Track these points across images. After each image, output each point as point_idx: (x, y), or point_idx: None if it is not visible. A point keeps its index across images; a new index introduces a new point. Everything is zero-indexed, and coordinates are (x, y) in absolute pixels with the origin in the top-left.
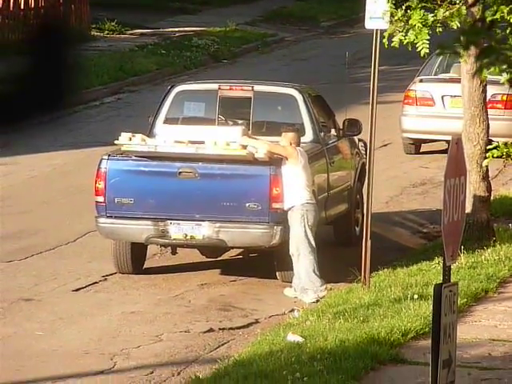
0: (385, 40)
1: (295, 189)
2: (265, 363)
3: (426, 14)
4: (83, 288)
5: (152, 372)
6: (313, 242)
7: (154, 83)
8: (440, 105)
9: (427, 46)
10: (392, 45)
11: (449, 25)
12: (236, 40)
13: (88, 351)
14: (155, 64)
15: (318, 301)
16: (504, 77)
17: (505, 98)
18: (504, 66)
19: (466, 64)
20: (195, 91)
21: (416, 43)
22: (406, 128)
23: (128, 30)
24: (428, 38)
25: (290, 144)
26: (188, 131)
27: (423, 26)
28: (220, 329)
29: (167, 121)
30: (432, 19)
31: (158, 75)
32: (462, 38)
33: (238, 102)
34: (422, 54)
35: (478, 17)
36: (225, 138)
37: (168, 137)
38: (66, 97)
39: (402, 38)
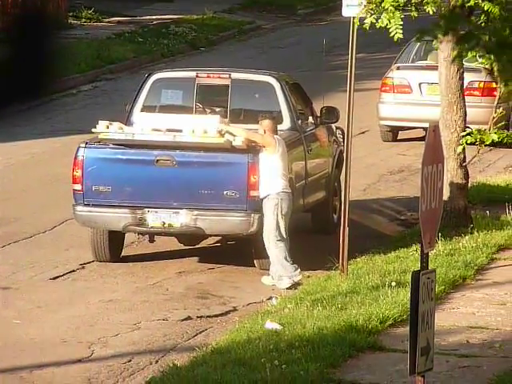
0: (356, 20)
1: (271, 177)
2: (243, 351)
3: None
4: (61, 276)
5: (130, 360)
6: (283, 231)
7: (131, 71)
8: (417, 92)
9: (400, 30)
10: (363, 27)
11: (423, 8)
12: (213, 28)
13: (66, 340)
14: (132, 52)
15: (295, 287)
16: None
17: (482, 85)
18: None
19: (443, 51)
20: (173, 79)
21: (389, 28)
22: (383, 115)
23: (105, 18)
24: (401, 22)
25: (265, 132)
26: (166, 119)
27: (395, 8)
28: (198, 317)
29: (145, 109)
30: (404, 1)
31: (136, 63)
32: (441, 24)
33: (216, 90)
34: (396, 38)
35: (456, 3)
36: (205, 126)
37: (146, 125)
38: (45, 84)
39: (374, 20)
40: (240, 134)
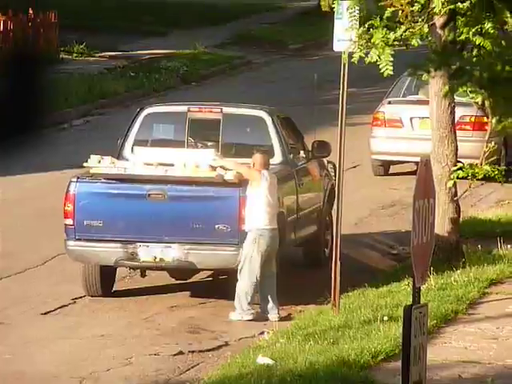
0: (344, 56)
1: (255, 212)
2: None
3: (388, 32)
4: (52, 311)
5: None
6: (256, 267)
7: (123, 106)
8: (408, 126)
9: (391, 67)
10: (352, 61)
11: (410, 43)
12: (205, 62)
13: (57, 375)
14: (124, 86)
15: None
16: (475, 98)
17: (473, 119)
18: (473, 88)
19: (434, 86)
20: (164, 113)
21: (379, 63)
22: (374, 150)
23: (97, 53)
24: (391, 58)
25: (253, 165)
26: (161, 153)
27: (385, 44)
28: (190, 351)
29: (136, 143)
30: (393, 37)
31: (127, 97)
32: (434, 59)
33: (208, 124)
34: (385, 74)
35: (446, 38)
36: (197, 161)
37: (141, 158)
38: (37, 119)
39: (363, 55)
40: (231, 167)
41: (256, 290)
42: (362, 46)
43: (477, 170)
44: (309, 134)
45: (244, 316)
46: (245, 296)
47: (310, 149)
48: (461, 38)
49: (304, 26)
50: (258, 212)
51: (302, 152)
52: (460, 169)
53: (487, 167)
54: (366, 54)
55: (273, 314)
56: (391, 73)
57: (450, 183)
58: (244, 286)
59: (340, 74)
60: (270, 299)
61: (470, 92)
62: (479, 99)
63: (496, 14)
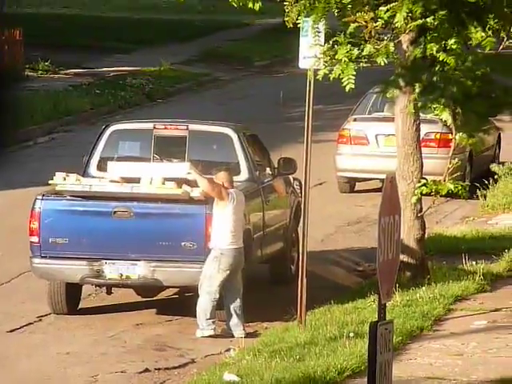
0: (310, 73)
1: (219, 231)
2: None
3: (352, 48)
4: (18, 329)
5: None
6: (215, 285)
7: (88, 123)
8: (374, 144)
9: (352, 81)
10: (317, 78)
11: (375, 61)
12: (170, 79)
13: None
14: (89, 104)
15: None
16: (439, 114)
17: (438, 136)
18: (445, 104)
19: (399, 103)
20: (130, 130)
21: (342, 78)
22: (340, 167)
23: (62, 70)
24: (354, 73)
25: (223, 184)
26: (132, 168)
27: (349, 60)
28: (156, 369)
29: (102, 160)
30: (357, 53)
31: (93, 115)
32: (404, 74)
33: (173, 141)
34: (347, 89)
35: (411, 54)
36: (169, 174)
37: (111, 174)
38: (2, 137)
39: (327, 72)
40: (202, 183)
41: (215, 307)
42: (326, 62)
43: (440, 187)
44: (275, 151)
45: (204, 332)
46: (203, 313)
47: (276, 166)
48: (425, 53)
49: (271, 42)
50: (221, 231)
51: (268, 169)
52: (424, 185)
53: (450, 184)
54: (331, 71)
55: (238, 331)
56: (353, 87)
57: (414, 199)
58: (202, 303)
59: (306, 91)
60: (234, 316)
61: (435, 109)
62: (444, 116)
63: (466, 29)
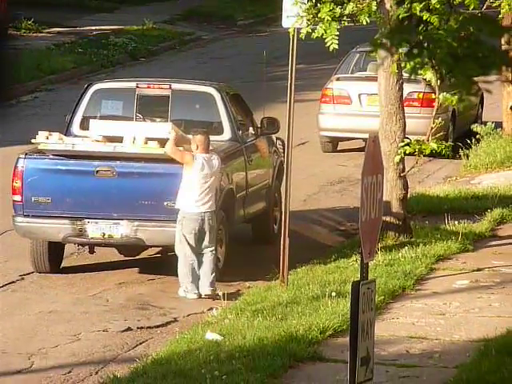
0: (291, 31)
1: (183, 194)
2: (183, 362)
3: (335, 7)
4: (0, 287)
5: (70, 371)
6: (185, 248)
7: (71, 82)
8: (357, 103)
9: (336, 41)
10: (300, 36)
11: (358, 19)
12: (153, 38)
13: (5, 350)
14: (72, 62)
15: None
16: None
17: (421, 96)
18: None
19: (383, 62)
20: (113, 89)
21: (325, 38)
22: (323, 126)
23: (45, 29)
24: (337, 33)
25: (197, 147)
26: (115, 126)
27: (332, 19)
28: (138, 328)
29: (85, 119)
30: (340, 12)
31: (75, 74)
32: (390, 36)
33: (156, 101)
34: (331, 48)
35: (395, 14)
36: (152, 133)
37: (98, 132)
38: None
39: (310, 30)
40: (166, 147)
41: (198, 268)
42: (309, 20)
43: (423, 146)
44: (258, 110)
45: (188, 295)
46: (185, 276)
47: (258, 125)
48: (409, 13)
49: (254, 1)
50: (185, 194)
51: (250, 129)
52: (407, 144)
53: (433, 144)
54: (313, 30)
55: (204, 289)
56: (336, 47)
57: (397, 158)
58: (180, 265)
59: (289, 50)
60: (202, 277)
61: (419, 69)
62: (428, 75)
63: None
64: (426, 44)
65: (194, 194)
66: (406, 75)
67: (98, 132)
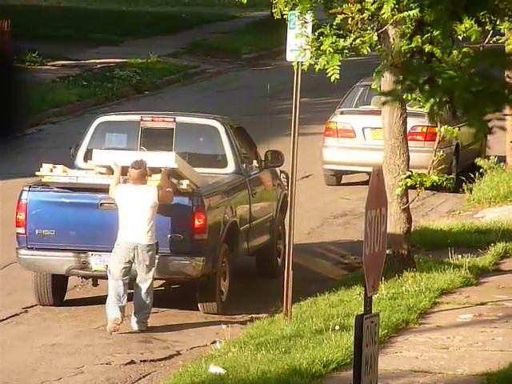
0: (294, 63)
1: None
2: None
3: (337, 39)
4: (4, 320)
5: None
6: (114, 275)
7: (75, 114)
8: (361, 136)
9: (338, 71)
10: (302, 68)
11: (359, 51)
12: (158, 71)
13: (8, 383)
14: (77, 95)
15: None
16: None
17: (425, 129)
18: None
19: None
20: (117, 122)
21: (327, 69)
22: (327, 160)
23: (49, 62)
24: (339, 63)
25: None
26: (121, 156)
27: (334, 52)
28: (141, 361)
29: (88, 152)
30: (343, 44)
31: (80, 106)
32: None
33: (160, 133)
34: (332, 79)
35: (398, 46)
36: (159, 164)
37: (102, 161)
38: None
39: (313, 62)
40: (163, 182)
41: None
42: (312, 53)
43: (425, 179)
44: (262, 143)
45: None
46: (112, 306)
47: (262, 158)
48: (412, 45)
49: (258, 35)
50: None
51: (254, 162)
52: (409, 177)
53: (434, 176)
54: (316, 62)
55: (135, 324)
56: (338, 77)
57: (399, 190)
58: (108, 296)
59: (293, 83)
60: (136, 310)
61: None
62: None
63: (461, 22)
64: (438, 80)
65: (124, 223)
66: (409, 109)
67: (101, 162)
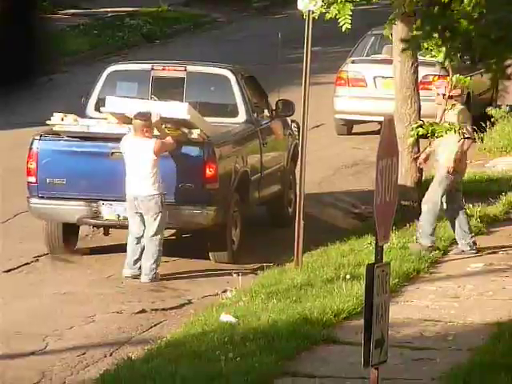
0: (304, 11)
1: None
2: (198, 344)
3: None
4: (15, 269)
5: (84, 353)
6: (130, 229)
7: (86, 64)
8: (372, 86)
9: (349, 21)
10: (312, 16)
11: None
12: (169, 21)
13: (20, 332)
14: (87, 44)
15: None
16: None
17: (436, 79)
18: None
19: (398, 45)
20: (128, 71)
21: (338, 18)
22: (338, 109)
23: (60, 10)
24: (350, 13)
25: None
26: (134, 105)
27: (346, 0)
28: (152, 309)
29: (100, 101)
30: None
31: (90, 56)
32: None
33: (171, 83)
34: (344, 29)
35: None
36: (171, 114)
37: (113, 108)
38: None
39: (323, 10)
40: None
41: (142, 250)
42: (323, 1)
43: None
44: (273, 93)
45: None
46: (126, 261)
47: (273, 108)
48: None
49: None
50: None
51: (265, 111)
52: (420, 126)
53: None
54: (327, 11)
55: (143, 277)
56: (349, 27)
57: (410, 140)
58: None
59: (304, 32)
60: (144, 261)
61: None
62: (441, 58)
63: None
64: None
65: (130, 176)
66: (421, 58)
67: (114, 108)
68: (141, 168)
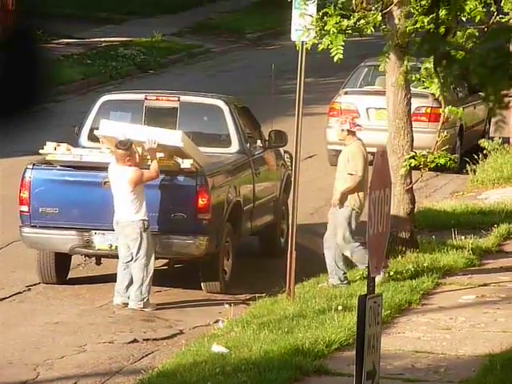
0: (297, 43)
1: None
2: (189, 374)
3: (341, 20)
4: (7, 298)
5: (75, 383)
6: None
7: (79, 93)
8: (365, 117)
9: (341, 51)
10: (305, 47)
11: (363, 31)
12: (162, 51)
13: (11, 361)
14: (81, 74)
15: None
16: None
17: (429, 110)
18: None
19: (391, 76)
20: (121, 101)
21: (330, 49)
22: (330, 140)
23: (54, 40)
24: (342, 43)
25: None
26: (129, 129)
27: (338, 32)
28: (144, 339)
29: (92, 130)
30: (347, 24)
31: (84, 85)
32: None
33: (164, 112)
34: (336, 59)
35: (403, 27)
36: (165, 141)
37: (107, 133)
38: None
39: (316, 41)
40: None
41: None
42: (316, 33)
43: (429, 159)
44: (266, 123)
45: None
46: (115, 290)
47: (266, 138)
48: (416, 25)
49: (263, 15)
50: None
51: (258, 141)
52: (413, 157)
53: (441, 159)
54: (320, 42)
55: (130, 303)
56: (341, 57)
57: (402, 171)
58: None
59: (297, 63)
60: (131, 288)
61: (422, 82)
62: (433, 89)
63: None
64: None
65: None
66: (414, 90)
67: (106, 132)
68: (121, 194)
